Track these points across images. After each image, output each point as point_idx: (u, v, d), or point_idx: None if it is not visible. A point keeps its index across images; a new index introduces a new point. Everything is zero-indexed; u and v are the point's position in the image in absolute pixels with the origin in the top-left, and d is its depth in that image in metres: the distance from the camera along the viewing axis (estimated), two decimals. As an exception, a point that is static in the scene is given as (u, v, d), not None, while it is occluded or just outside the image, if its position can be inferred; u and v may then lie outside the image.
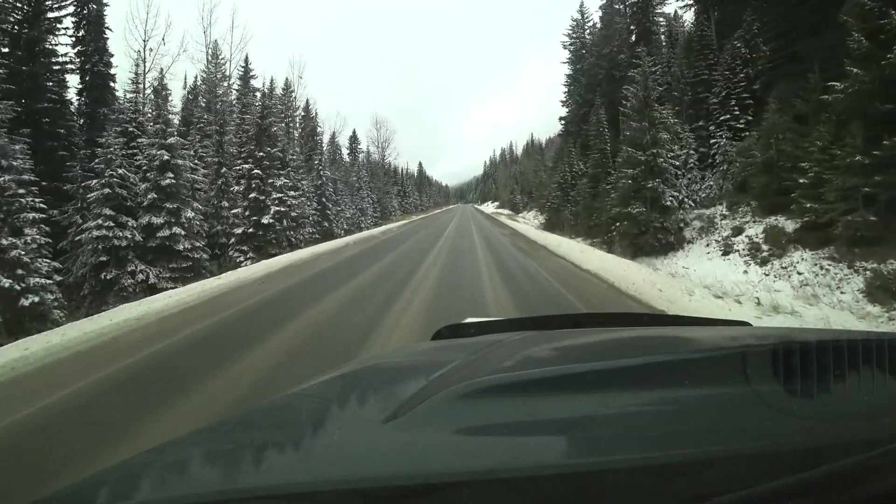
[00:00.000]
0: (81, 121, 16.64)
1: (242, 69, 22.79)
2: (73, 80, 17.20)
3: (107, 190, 12.82)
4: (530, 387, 0.57)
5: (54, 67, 16.43)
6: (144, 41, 19.44)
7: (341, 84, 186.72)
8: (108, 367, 3.56)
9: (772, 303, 5.81)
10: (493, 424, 0.49)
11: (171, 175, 13.70)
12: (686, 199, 15.03)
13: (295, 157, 22.09)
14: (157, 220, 13.45)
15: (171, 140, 14.06)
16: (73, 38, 17.45)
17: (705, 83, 17.82)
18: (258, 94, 21.65)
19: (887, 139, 8.14)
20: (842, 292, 8.54)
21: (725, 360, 0.62)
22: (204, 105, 20.99)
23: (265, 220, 16.60)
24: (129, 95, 16.44)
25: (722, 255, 12.51)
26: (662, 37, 24.74)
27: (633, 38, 27.02)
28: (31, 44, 15.93)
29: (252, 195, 16.75)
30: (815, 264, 9.56)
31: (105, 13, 18.10)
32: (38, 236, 10.35)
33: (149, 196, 13.49)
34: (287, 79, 27.78)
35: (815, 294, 8.42)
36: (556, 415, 0.52)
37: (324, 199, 23.64)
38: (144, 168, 13.95)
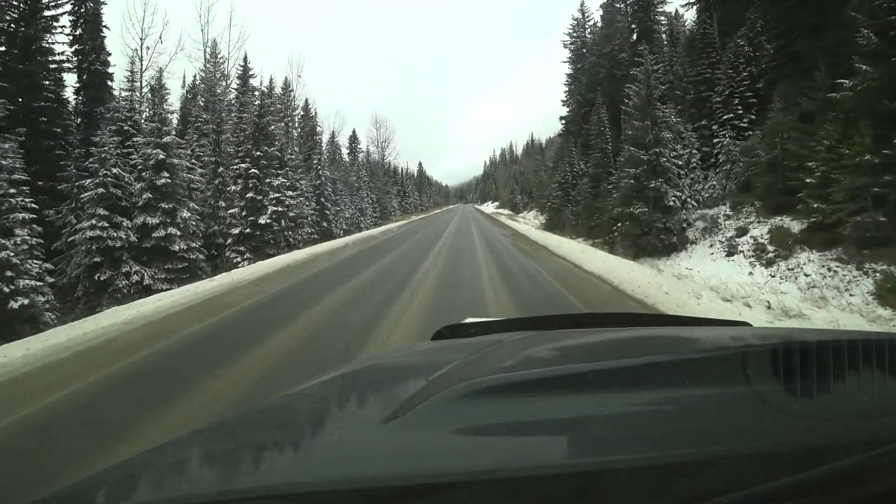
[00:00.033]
0: (79, 120, 16.47)
1: (241, 68, 22.68)
2: (71, 80, 17.12)
3: (101, 189, 12.61)
4: (530, 387, 0.56)
5: (51, 66, 16.22)
6: (141, 39, 19.28)
7: (340, 83, 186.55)
8: (83, 380, 3.34)
9: (783, 307, 5.61)
10: (493, 424, 0.49)
11: (167, 174, 13.49)
12: (689, 199, 14.83)
13: (293, 156, 21.88)
14: (152, 221, 13.25)
15: (166, 139, 13.86)
16: (71, 37, 17.31)
17: (708, 82, 17.63)
18: (257, 94, 21.48)
19: (897, 138, 7.97)
20: (851, 294, 8.34)
21: (725, 360, 0.62)
22: (203, 104, 20.80)
23: (262, 221, 16.40)
24: (124, 94, 16.22)
25: (726, 255, 12.31)
26: (664, 36, 24.58)
27: (635, 36, 26.85)
28: (28, 42, 15.72)
29: (249, 195, 16.55)
30: (823, 266, 9.37)
31: (102, 11, 17.99)
32: (28, 237, 10.15)
33: (144, 196, 13.28)
34: (286, 78, 27.62)
35: (823, 296, 8.22)
36: (556, 415, 0.52)
37: (322, 199, 23.44)
38: (140, 167, 13.75)
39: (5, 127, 12.24)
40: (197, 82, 22.45)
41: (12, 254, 9.02)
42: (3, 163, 9.99)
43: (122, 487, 0.49)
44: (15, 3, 15.55)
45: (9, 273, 8.85)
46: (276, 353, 3.73)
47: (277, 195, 16.99)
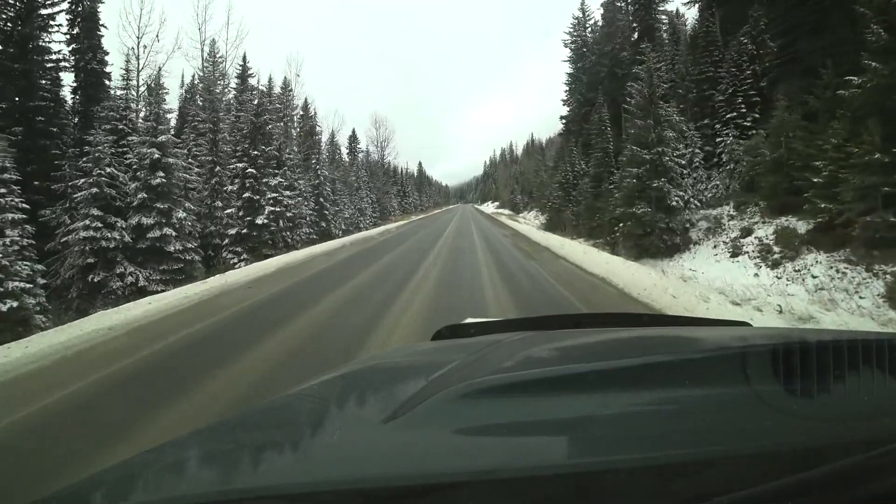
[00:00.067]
0: (76, 119, 16.27)
1: (240, 67, 22.48)
2: (69, 79, 16.95)
3: (94, 189, 12.40)
4: (530, 387, 0.56)
5: (47, 65, 16.03)
6: (138, 38, 19.06)
7: (340, 83, 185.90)
8: (56, 393, 3.13)
9: (792, 310, 5.41)
10: (493, 424, 0.49)
11: (162, 174, 13.28)
12: (692, 199, 14.62)
13: (292, 156, 21.67)
14: (147, 221, 13.03)
15: (161, 138, 13.64)
16: (68, 36, 17.14)
17: (711, 80, 17.42)
18: (255, 93, 21.26)
19: (909, 136, 7.76)
20: (861, 297, 8.13)
21: (725, 360, 0.62)
22: (201, 104, 20.58)
23: (259, 221, 16.18)
24: (119, 92, 16.02)
25: (730, 256, 12.10)
26: (665, 35, 24.40)
27: (636, 35, 26.69)
28: (24, 41, 15.54)
29: (246, 195, 16.33)
30: (831, 267, 9.16)
31: (99, 10, 17.81)
32: (18, 237, 9.93)
33: (139, 196, 13.07)
34: (285, 78, 27.40)
35: (832, 299, 8.02)
36: (556, 415, 0.52)
37: (321, 199, 23.22)
38: (135, 167, 13.54)
39: (1, 126, 12.04)
40: (196, 82, 22.30)
41: (1, 255, 8.81)
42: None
43: (122, 487, 0.49)
44: (11, 1, 15.35)
45: (-2, 275, 8.64)
46: (262, 366, 3.52)
47: (275, 195, 16.77)
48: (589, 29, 32.14)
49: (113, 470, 0.51)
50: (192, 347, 4.19)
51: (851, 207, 8.83)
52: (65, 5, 16.99)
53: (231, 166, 17.05)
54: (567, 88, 32.50)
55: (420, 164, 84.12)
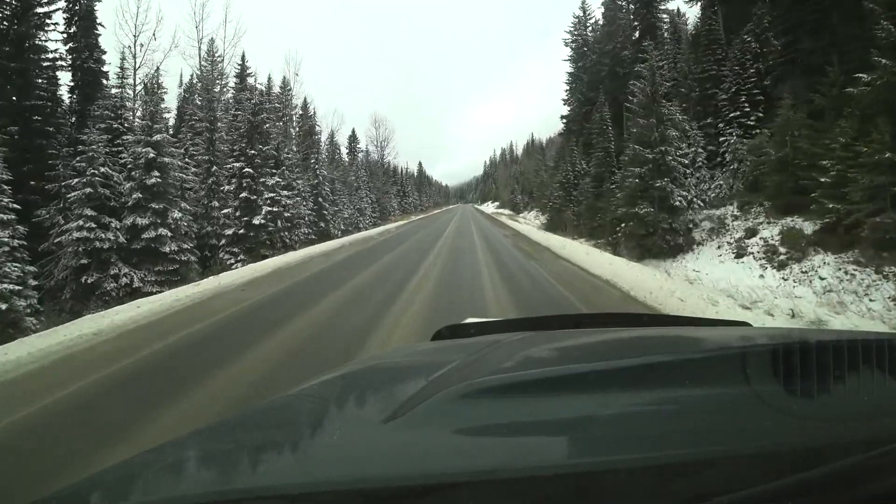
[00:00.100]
0: (73, 119, 16.07)
1: (239, 67, 22.28)
2: (66, 78, 16.75)
3: (88, 189, 12.19)
4: (530, 387, 0.56)
5: (44, 64, 15.84)
6: (135, 36, 18.86)
7: (339, 83, 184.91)
8: (21, 409, 2.92)
9: (808, 316, 5.22)
10: (493, 425, 0.49)
11: (158, 174, 13.07)
12: (695, 199, 14.43)
13: (291, 155, 21.46)
14: (142, 221, 12.83)
15: (157, 137, 13.43)
16: (65, 35, 16.95)
17: (713, 79, 17.22)
18: (255, 92, 21.03)
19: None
20: (871, 300, 7.94)
21: (725, 360, 0.62)
22: (199, 103, 20.38)
23: (256, 221, 15.96)
24: (114, 91, 15.81)
25: (735, 257, 11.90)
26: (666, 33, 24.21)
27: (637, 34, 26.48)
28: (20, 39, 15.35)
29: (243, 195, 16.11)
30: (839, 269, 8.96)
31: (96, 8, 17.63)
32: (8, 238, 9.73)
33: (133, 196, 12.86)
34: (284, 77, 27.19)
35: (841, 301, 7.82)
36: (556, 415, 0.52)
37: (320, 199, 23.01)
38: (129, 166, 13.33)
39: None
40: (194, 81, 22.10)
41: (-11, 256, 8.62)
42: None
43: (122, 487, 0.49)
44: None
45: (-15, 277, 8.45)
46: (247, 379, 3.32)
47: (272, 195, 16.56)
48: (590, 28, 31.99)
49: (113, 470, 0.51)
50: (176, 356, 3.97)
51: (860, 208, 8.64)
52: (61, 3, 16.82)
53: (228, 166, 16.84)
54: (568, 88, 32.31)
55: (420, 163, 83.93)
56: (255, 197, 16.25)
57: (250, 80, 22.19)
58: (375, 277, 8.14)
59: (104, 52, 17.69)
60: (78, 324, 5.11)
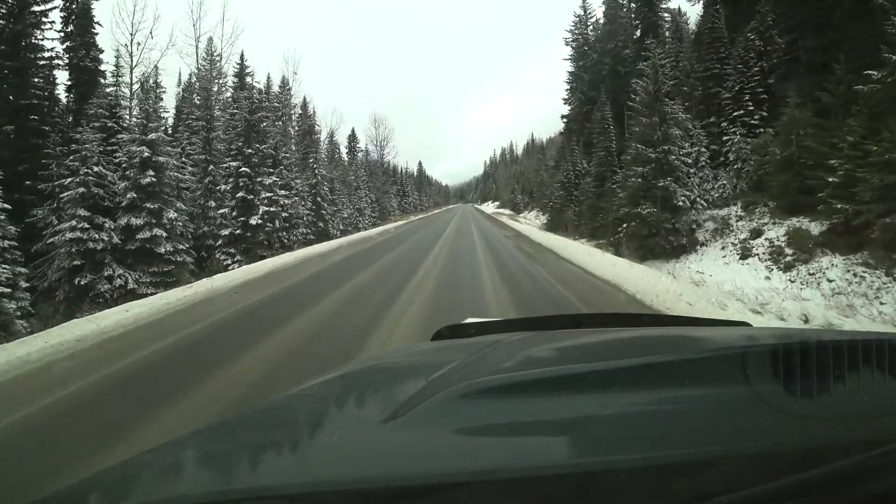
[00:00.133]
0: (70, 118, 15.87)
1: (238, 66, 22.09)
2: (64, 77, 16.59)
3: (81, 189, 11.98)
4: (530, 387, 0.56)
5: (40, 63, 15.64)
6: (132, 35, 18.68)
7: (337, 81, 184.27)
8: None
9: (819, 321, 5.02)
10: (493, 424, 0.49)
11: (153, 173, 12.85)
12: (698, 199, 14.21)
13: (289, 154, 21.25)
14: (136, 222, 12.62)
15: (152, 136, 13.22)
16: (62, 34, 16.77)
17: (716, 77, 17.00)
18: (255, 91, 20.82)
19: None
20: (881, 303, 7.73)
21: (725, 360, 0.62)
22: (198, 102, 20.17)
23: (253, 221, 15.75)
24: (108, 89, 15.60)
25: (740, 258, 11.68)
26: (667, 32, 24.01)
27: (639, 32, 26.29)
28: (16, 38, 15.16)
29: (240, 194, 15.90)
30: (848, 271, 8.75)
31: (93, 6, 17.45)
32: (-2, 239, 9.53)
33: (128, 195, 12.65)
34: (283, 76, 26.98)
35: (850, 304, 7.61)
36: (556, 415, 0.52)
37: (319, 199, 22.80)
38: (124, 165, 13.12)
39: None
40: (193, 80, 21.89)
41: (-23, 258, 8.41)
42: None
43: (122, 487, 0.48)
44: (2, -2, 14.98)
45: (-27, 279, 8.23)
46: (232, 393, 3.11)
47: (269, 195, 16.35)
48: (591, 27, 31.77)
49: (113, 470, 0.51)
50: (158, 367, 3.74)
51: (870, 208, 8.42)
52: (58, 2, 16.69)
53: (225, 165, 16.63)
54: (568, 87, 32.09)
55: (420, 163, 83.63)
56: (251, 197, 16.04)
57: (249, 80, 22.01)
58: (375, 278, 7.96)
59: (101, 51, 17.58)
60: (61, 329, 4.89)
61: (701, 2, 21.29)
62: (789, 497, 0.37)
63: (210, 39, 23.18)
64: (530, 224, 29.41)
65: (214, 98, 20.66)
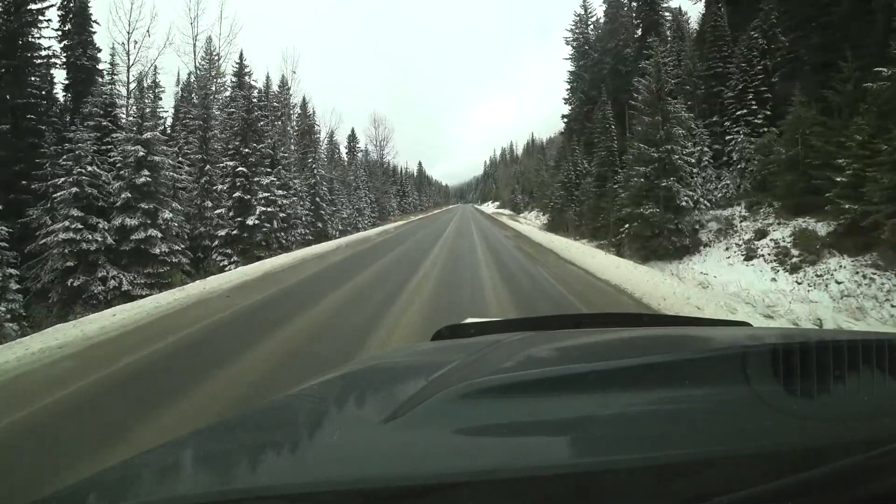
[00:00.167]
0: (67, 117, 15.69)
1: (237, 65, 21.86)
2: (62, 76, 16.42)
3: (75, 189, 11.78)
4: (530, 387, 0.56)
5: (37, 62, 15.44)
6: (129, 33, 18.45)
7: (336, 80, 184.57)
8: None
9: (831, 325, 4.83)
10: (493, 425, 0.49)
11: (148, 173, 12.65)
12: (701, 199, 14.01)
13: (288, 154, 21.04)
14: (131, 222, 12.41)
15: (147, 135, 13.01)
16: (60, 32, 16.59)
17: (719, 76, 16.80)
18: (251, 90, 20.63)
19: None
20: (892, 305, 7.54)
21: (725, 360, 0.62)
22: (197, 101, 19.97)
23: (250, 222, 15.54)
24: (104, 88, 15.41)
25: (744, 259, 11.48)
26: (669, 31, 23.82)
27: (640, 31, 26.12)
28: (13, 36, 14.97)
29: (237, 194, 15.69)
30: (857, 272, 8.55)
31: (90, 5, 17.27)
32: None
33: (123, 195, 12.44)
34: (282, 76, 26.76)
35: (860, 307, 7.42)
36: (557, 415, 0.52)
37: (318, 199, 22.59)
38: (119, 165, 12.91)
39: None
40: (192, 80, 21.67)
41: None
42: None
43: (122, 487, 0.48)
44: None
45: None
46: (217, 405, 2.92)
47: (267, 195, 16.14)
48: (591, 26, 31.59)
49: (113, 470, 0.51)
50: (141, 377, 3.54)
51: (879, 208, 8.23)
52: (55, 0, 16.48)
53: (221, 165, 16.42)
54: (569, 87, 31.91)
55: (420, 163, 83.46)
56: (248, 197, 15.84)
57: (248, 79, 21.79)
58: (375, 278, 7.78)
59: (99, 50, 17.44)
60: (42, 335, 4.71)
61: (702, 0, 21.13)
62: (789, 497, 0.36)
63: (209, 38, 22.95)
64: (531, 224, 29.21)
65: (213, 97, 20.45)
